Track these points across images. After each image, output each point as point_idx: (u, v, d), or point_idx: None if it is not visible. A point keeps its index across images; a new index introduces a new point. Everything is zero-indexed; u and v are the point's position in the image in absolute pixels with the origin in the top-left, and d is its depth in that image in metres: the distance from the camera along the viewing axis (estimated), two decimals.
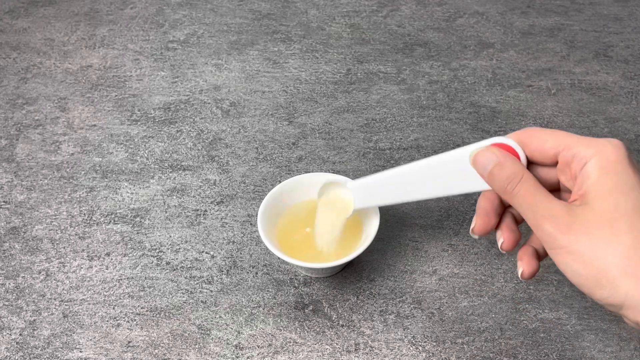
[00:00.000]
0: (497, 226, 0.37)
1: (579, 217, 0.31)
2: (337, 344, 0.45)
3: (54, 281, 0.50)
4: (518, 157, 0.35)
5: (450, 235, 0.52)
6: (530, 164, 0.35)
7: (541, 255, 0.36)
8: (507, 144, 0.35)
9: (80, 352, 0.45)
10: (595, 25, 0.73)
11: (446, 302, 0.47)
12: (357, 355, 0.44)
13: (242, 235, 0.52)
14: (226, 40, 0.72)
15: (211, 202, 0.55)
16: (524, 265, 0.36)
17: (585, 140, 0.32)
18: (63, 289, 0.49)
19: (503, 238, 0.37)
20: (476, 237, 0.37)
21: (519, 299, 0.47)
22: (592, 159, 0.31)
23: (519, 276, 0.36)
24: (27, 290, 0.49)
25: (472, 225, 0.37)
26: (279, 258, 0.50)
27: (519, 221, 0.38)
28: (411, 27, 0.73)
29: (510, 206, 0.37)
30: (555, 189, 0.36)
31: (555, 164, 0.34)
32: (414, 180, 0.39)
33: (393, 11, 0.76)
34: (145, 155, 0.59)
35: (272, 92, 0.65)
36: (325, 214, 0.47)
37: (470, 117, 0.62)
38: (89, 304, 0.48)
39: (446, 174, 0.37)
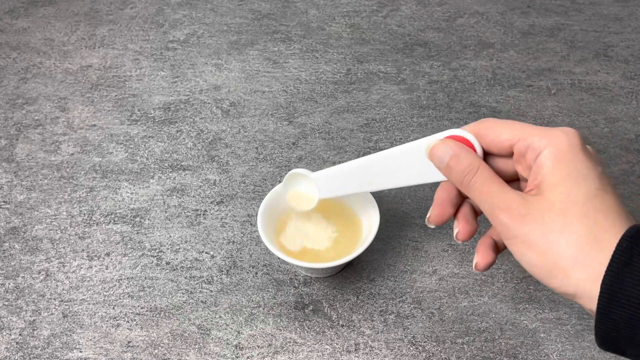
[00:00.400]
0: (455, 216, 0.38)
1: (533, 207, 0.31)
2: (337, 344, 0.45)
3: (53, 281, 0.50)
4: (474, 149, 0.35)
5: (450, 235, 0.52)
6: (488, 155, 0.35)
7: (500, 247, 0.36)
8: (462, 136, 0.35)
9: (80, 352, 0.45)
10: (595, 25, 0.73)
11: (446, 302, 0.47)
12: (357, 355, 0.44)
13: (242, 235, 0.52)
14: (226, 40, 0.72)
15: (211, 202, 0.55)
16: (479, 257, 0.36)
17: (539, 131, 0.32)
18: (63, 289, 0.49)
19: (458, 228, 0.37)
20: (432, 226, 0.38)
21: (519, 299, 0.47)
22: (546, 149, 0.31)
23: (473, 268, 0.36)
24: (27, 290, 0.49)
25: (428, 215, 0.38)
26: (279, 258, 0.50)
27: (478, 212, 0.38)
28: (411, 27, 0.73)
29: (468, 197, 0.37)
30: (514, 179, 0.36)
31: (511, 155, 0.34)
32: (375, 171, 0.40)
33: (393, 11, 0.76)
34: (145, 155, 0.59)
35: (272, 92, 0.65)
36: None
37: (470, 117, 0.62)
38: (89, 304, 0.48)
39: (406, 165, 0.38)
